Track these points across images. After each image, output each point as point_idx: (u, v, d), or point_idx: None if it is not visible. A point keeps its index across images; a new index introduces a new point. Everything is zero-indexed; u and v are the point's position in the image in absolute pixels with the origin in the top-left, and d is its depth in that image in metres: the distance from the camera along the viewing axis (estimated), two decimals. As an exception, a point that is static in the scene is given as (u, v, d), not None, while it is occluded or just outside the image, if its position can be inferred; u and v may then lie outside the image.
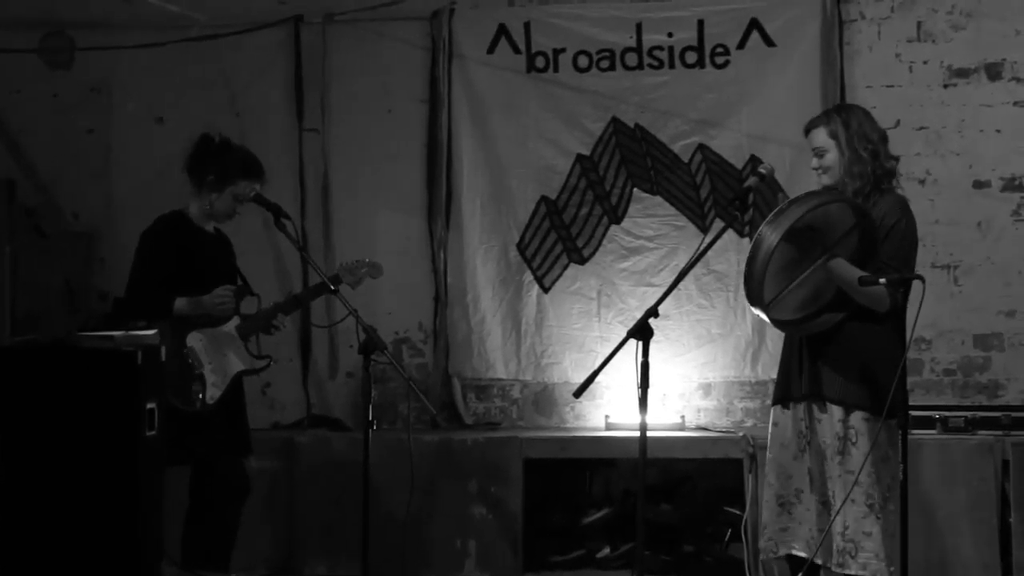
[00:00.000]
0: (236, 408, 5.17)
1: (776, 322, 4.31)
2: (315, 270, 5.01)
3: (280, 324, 5.20)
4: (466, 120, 6.76)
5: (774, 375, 4.73)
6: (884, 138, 4.47)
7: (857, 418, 4.31)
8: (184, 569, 4.98)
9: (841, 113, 4.51)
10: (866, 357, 4.33)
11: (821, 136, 4.45)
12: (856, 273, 4.18)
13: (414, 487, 5.12)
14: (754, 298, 4.17)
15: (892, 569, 4.27)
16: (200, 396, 4.99)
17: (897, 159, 4.49)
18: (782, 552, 4.48)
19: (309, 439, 6.34)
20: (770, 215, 4.15)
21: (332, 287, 4.96)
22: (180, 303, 5.00)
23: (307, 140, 6.89)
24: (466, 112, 6.76)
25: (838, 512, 4.29)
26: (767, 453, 4.57)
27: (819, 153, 4.45)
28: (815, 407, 4.41)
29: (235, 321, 5.14)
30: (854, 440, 4.30)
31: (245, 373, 5.18)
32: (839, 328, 4.35)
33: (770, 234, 4.08)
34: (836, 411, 4.34)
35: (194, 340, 5.04)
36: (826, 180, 4.45)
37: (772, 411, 4.57)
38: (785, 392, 4.49)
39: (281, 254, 6.73)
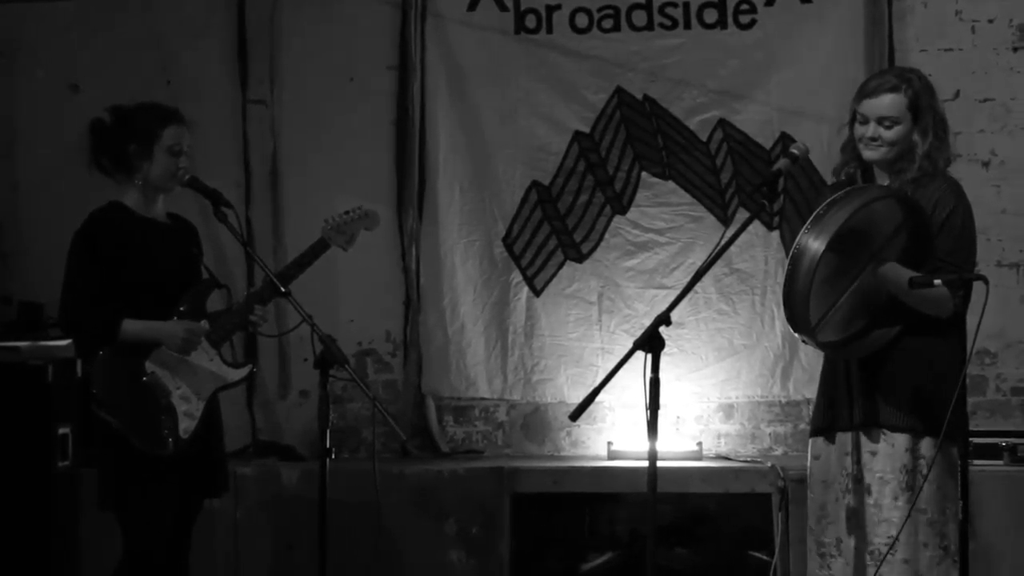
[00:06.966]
0: (211, 435, 5.02)
1: (823, 346, 4.30)
2: (262, 268, 4.96)
3: (260, 318, 5.09)
4: (443, 91, 6.82)
5: (808, 394, 4.85)
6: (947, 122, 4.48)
7: (928, 446, 4.29)
8: None
9: (921, 81, 4.40)
10: (931, 375, 4.31)
11: (897, 104, 4.32)
12: (908, 275, 4.15)
13: (380, 528, 5.21)
14: (799, 322, 4.16)
15: None
16: (172, 432, 4.84)
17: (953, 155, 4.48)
18: None
19: (255, 470, 6.36)
20: (808, 221, 4.12)
21: (283, 289, 4.83)
22: (131, 327, 4.82)
23: (252, 113, 6.93)
24: (443, 81, 6.82)
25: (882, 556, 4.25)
26: (808, 492, 4.54)
27: (888, 124, 4.32)
28: (865, 438, 4.37)
29: (203, 327, 4.98)
30: (925, 472, 4.27)
31: (222, 389, 5.05)
32: (895, 343, 4.33)
33: (812, 244, 4.06)
34: (901, 440, 4.31)
35: (155, 363, 4.88)
36: (875, 155, 4.37)
37: (811, 443, 4.56)
38: (830, 421, 4.45)
39: (222, 249, 6.55)
